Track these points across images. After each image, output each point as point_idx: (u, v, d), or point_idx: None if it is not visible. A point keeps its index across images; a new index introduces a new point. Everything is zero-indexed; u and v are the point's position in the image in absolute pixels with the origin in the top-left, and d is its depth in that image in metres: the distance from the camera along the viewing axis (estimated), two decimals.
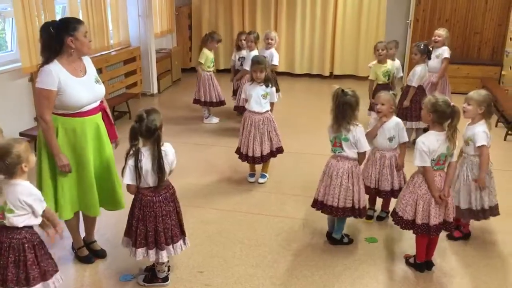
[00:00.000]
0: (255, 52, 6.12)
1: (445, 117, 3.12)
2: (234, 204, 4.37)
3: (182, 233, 3.15)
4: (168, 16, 9.08)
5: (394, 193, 3.85)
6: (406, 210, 3.27)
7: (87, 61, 3.23)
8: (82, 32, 3.04)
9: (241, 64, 6.48)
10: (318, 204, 3.61)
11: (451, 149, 3.16)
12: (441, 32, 6.03)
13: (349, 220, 3.74)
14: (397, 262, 3.51)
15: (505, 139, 6.13)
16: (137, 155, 2.90)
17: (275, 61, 6.34)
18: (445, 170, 3.22)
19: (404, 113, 5.47)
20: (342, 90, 3.38)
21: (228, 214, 4.20)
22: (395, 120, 3.81)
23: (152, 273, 3.23)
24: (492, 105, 3.58)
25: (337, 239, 3.70)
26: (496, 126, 6.59)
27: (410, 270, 3.40)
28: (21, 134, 5.11)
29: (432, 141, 3.14)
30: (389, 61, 5.81)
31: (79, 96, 3.05)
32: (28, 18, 5.18)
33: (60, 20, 3.14)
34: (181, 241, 3.13)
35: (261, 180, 4.80)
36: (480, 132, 3.47)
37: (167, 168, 2.98)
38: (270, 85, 4.59)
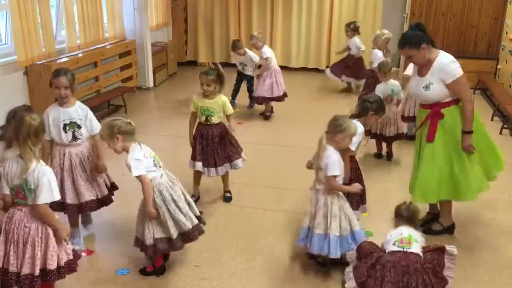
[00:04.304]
0: None
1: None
2: None
3: None
4: (164, 9, 9.03)
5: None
6: None
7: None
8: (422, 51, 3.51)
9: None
10: None
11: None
12: None
13: None
14: None
15: (500, 133, 6.14)
16: None
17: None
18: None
19: None
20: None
21: (223, 208, 4.20)
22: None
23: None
24: None
25: None
26: (492, 120, 6.60)
27: None
28: None
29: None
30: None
31: None
32: (23, 10, 5.14)
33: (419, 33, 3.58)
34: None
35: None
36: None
37: None
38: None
